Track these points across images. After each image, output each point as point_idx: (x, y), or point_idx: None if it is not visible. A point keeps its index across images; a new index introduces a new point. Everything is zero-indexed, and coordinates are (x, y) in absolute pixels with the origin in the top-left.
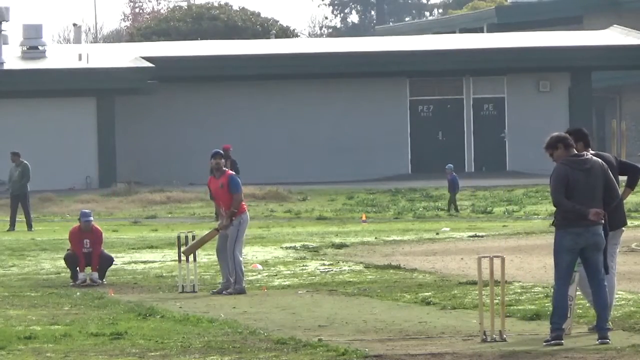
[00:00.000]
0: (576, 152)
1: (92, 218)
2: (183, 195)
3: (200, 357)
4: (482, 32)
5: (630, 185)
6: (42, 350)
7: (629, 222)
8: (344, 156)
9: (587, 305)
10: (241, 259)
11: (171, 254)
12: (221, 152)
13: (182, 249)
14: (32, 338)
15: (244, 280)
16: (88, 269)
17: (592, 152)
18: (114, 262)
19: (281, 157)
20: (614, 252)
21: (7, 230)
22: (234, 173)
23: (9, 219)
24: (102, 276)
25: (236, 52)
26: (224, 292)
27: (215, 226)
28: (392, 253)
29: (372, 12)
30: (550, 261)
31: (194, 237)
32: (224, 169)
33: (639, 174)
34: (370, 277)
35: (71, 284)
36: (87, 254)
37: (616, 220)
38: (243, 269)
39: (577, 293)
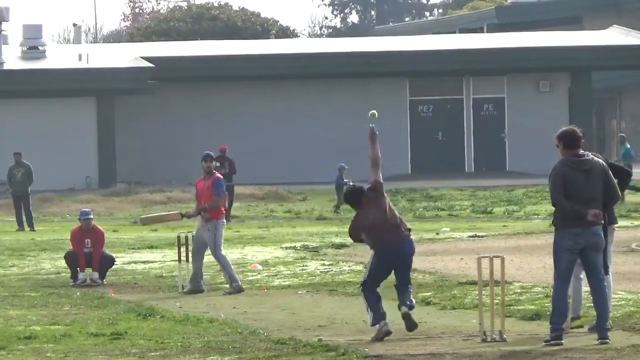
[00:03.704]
0: (581, 152)
1: (92, 216)
2: (183, 195)
3: (200, 357)
4: (482, 32)
5: (621, 188)
6: (42, 350)
7: (629, 222)
8: (344, 156)
9: (588, 305)
10: (227, 258)
11: (171, 254)
12: (212, 154)
13: (142, 216)
14: (32, 338)
15: (239, 279)
16: (88, 269)
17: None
18: (115, 263)
19: (281, 157)
20: (609, 251)
21: (17, 231)
22: (221, 176)
23: (15, 219)
24: (102, 276)
25: (236, 52)
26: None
27: (182, 211)
28: None
29: (372, 12)
30: (550, 261)
31: (193, 237)
32: (214, 171)
33: (628, 177)
34: None
35: (71, 283)
36: (88, 254)
37: (606, 218)
38: (232, 266)
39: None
